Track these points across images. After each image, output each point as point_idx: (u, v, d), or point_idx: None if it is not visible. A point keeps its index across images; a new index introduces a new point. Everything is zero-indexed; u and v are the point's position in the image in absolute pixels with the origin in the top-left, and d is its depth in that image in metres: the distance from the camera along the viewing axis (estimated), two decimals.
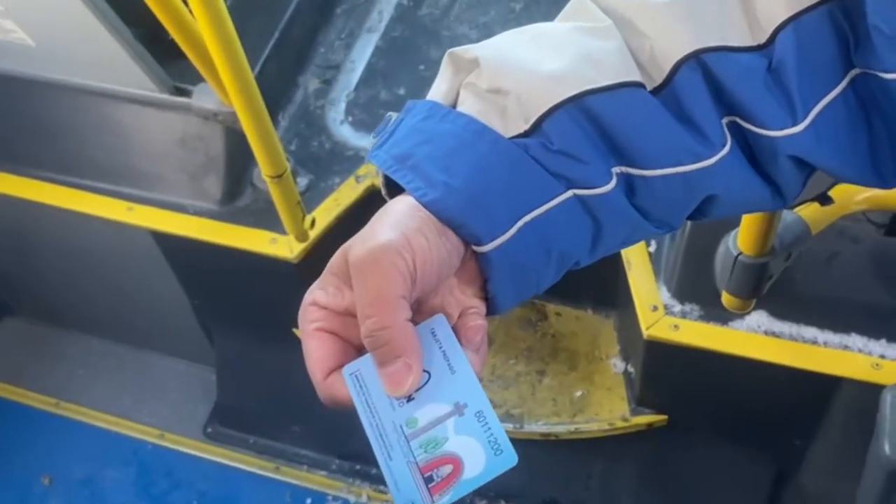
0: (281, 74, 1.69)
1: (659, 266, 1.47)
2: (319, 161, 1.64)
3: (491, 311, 0.52)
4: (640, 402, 1.59)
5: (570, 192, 0.51)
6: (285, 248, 1.54)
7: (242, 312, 1.80)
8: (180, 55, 1.27)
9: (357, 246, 0.49)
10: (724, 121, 0.52)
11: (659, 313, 1.41)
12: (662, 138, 0.51)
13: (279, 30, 1.66)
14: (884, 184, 0.56)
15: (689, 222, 1.40)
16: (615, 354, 1.65)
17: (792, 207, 1.10)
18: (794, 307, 1.36)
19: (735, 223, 1.16)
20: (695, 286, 1.39)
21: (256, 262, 1.57)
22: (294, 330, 1.73)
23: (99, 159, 1.65)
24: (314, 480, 1.86)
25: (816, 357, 1.35)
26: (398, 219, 0.49)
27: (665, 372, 1.50)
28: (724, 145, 0.52)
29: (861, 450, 1.36)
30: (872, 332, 1.33)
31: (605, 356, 1.66)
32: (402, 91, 1.71)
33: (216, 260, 1.64)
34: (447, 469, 0.48)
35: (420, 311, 0.51)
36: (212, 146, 1.57)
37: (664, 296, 1.44)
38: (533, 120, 0.50)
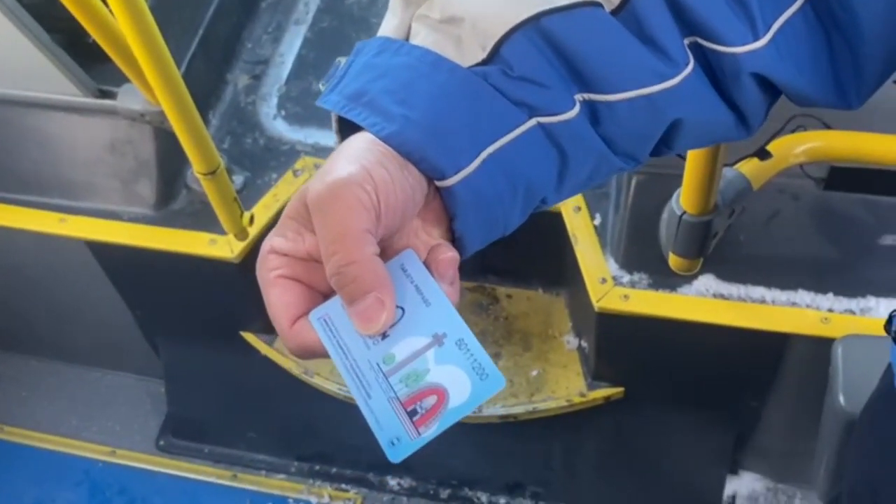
0: (208, 72, 1.65)
1: (605, 238, 1.46)
2: (254, 158, 1.61)
3: (459, 252, 0.50)
4: (596, 376, 1.59)
5: (533, 121, 0.49)
6: (225, 248, 1.50)
7: (187, 319, 1.76)
8: (103, 57, 1.24)
9: (315, 183, 0.46)
10: (686, 41, 0.51)
11: (608, 285, 1.41)
12: (624, 59, 0.50)
13: (203, 27, 1.62)
14: (846, 103, 0.56)
15: (631, 190, 1.39)
16: (568, 331, 1.65)
17: (732, 164, 1.10)
18: (741, 268, 1.36)
19: (677, 187, 1.16)
20: (642, 255, 1.39)
21: (197, 265, 1.53)
22: (242, 333, 1.70)
23: (25, 171, 1.59)
24: (274, 485, 1.83)
25: (765, 316, 1.36)
26: (357, 153, 0.47)
27: (618, 344, 1.50)
28: (687, 64, 0.51)
29: (816, 405, 1.37)
30: (819, 286, 1.35)
31: (558, 334, 1.65)
32: None
33: (155, 266, 1.60)
34: (431, 400, 0.46)
35: (386, 255, 0.49)
36: (142, 149, 1.53)
37: (612, 267, 1.43)
38: (490, 46, 0.49)
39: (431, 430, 0.45)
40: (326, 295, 0.49)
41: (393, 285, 0.47)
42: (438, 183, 0.48)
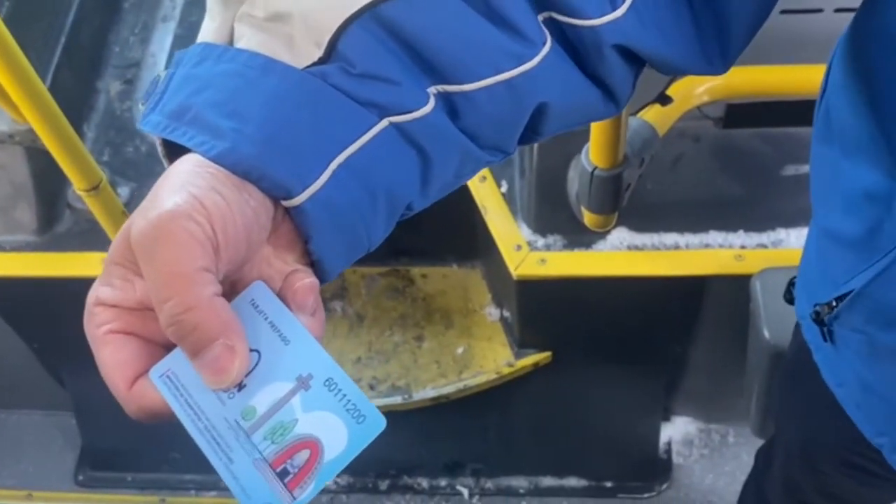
0: (77, 82, 1.56)
1: (515, 205, 1.44)
2: (139, 167, 1.53)
3: (320, 277, 0.44)
4: (522, 344, 1.57)
5: (385, 121, 0.44)
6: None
7: (88, 346, 1.67)
8: None
9: (138, 221, 0.40)
10: (540, 18, 0.47)
11: (524, 252, 1.39)
12: (476, 43, 0.45)
13: (65, 34, 1.52)
14: (712, 67, 0.53)
15: (535, 153, 1.37)
16: (488, 303, 1.63)
17: (635, 113, 1.08)
18: (652, 217, 1.36)
19: (580, 148, 1.14)
20: (553, 217, 1.38)
21: (90, 287, 1.44)
22: None
23: None
24: None
25: (680, 261, 1.36)
26: (183, 180, 0.40)
27: (541, 309, 1.49)
28: (544, 43, 0.47)
29: (738, 343, 1.39)
30: (729, 225, 1.36)
31: (478, 307, 1.63)
32: None
33: (47, 295, 1.51)
34: (303, 455, 0.40)
35: (234, 293, 0.43)
36: (15, 172, 1.43)
37: (525, 233, 1.41)
38: (326, 42, 0.43)
39: (308, 492, 0.39)
40: (168, 347, 0.42)
41: (242, 327, 0.40)
42: (285, 203, 0.42)
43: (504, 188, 1.46)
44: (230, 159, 0.41)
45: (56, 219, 1.49)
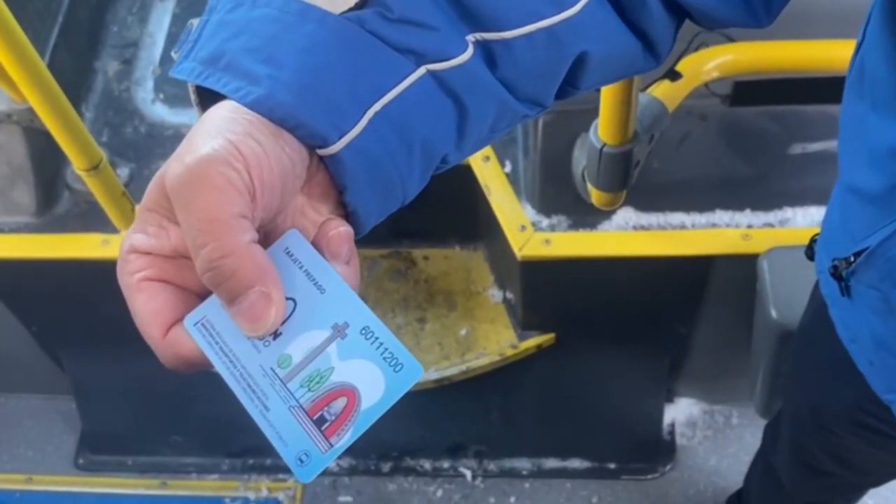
0: (74, 62, 1.54)
1: (519, 185, 1.43)
2: (138, 147, 1.51)
3: (355, 229, 0.44)
4: (526, 325, 1.56)
5: (422, 69, 0.43)
6: (120, 247, 1.40)
7: (88, 328, 1.65)
8: None
9: (174, 166, 0.39)
10: None
11: (528, 232, 1.38)
12: None
13: (62, 13, 1.50)
14: (755, 19, 0.52)
15: (539, 132, 1.36)
16: (491, 285, 1.61)
17: (644, 89, 1.07)
18: (658, 196, 1.35)
19: (585, 127, 1.13)
20: (558, 197, 1.36)
21: (90, 269, 1.43)
22: None
23: None
24: (207, 486, 1.75)
25: (687, 241, 1.35)
26: (220, 125, 0.39)
27: (545, 290, 1.48)
28: None
29: (743, 323, 1.38)
30: (736, 204, 1.34)
31: (481, 289, 1.62)
32: None
33: (46, 278, 1.49)
34: (340, 403, 0.39)
35: (267, 242, 0.42)
36: (13, 153, 1.41)
37: (530, 213, 1.40)
38: None
39: (345, 439, 0.39)
40: (202, 295, 0.42)
41: (278, 274, 0.40)
42: (321, 151, 0.41)
43: (508, 168, 1.44)
44: (266, 106, 0.40)
45: (55, 200, 1.47)
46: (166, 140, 1.51)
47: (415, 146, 0.44)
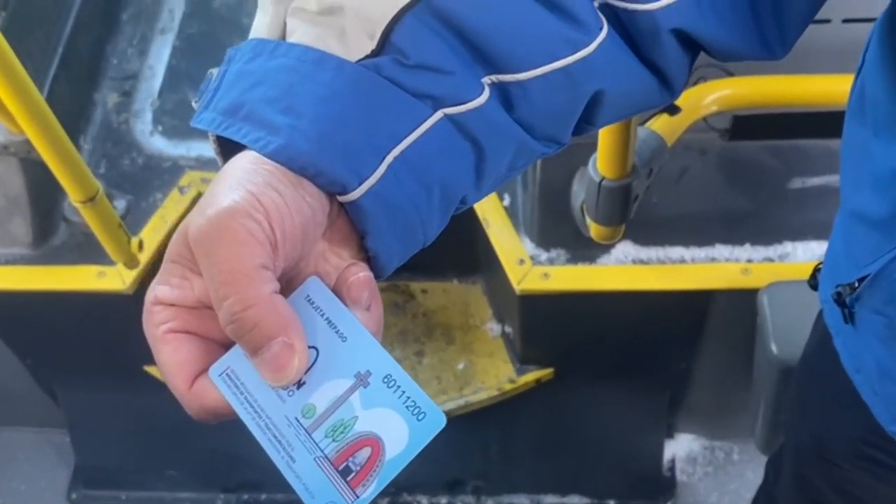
0: (73, 93, 1.54)
1: (517, 219, 1.43)
2: (135, 180, 1.51)
3: (376, 273, 0.44)
4: (524, 360, 1.55)
5: (439, 113, 0.43)
6: (116, 279, 1.40)
7: (84, 361, 1.65)
8: None
9: (196, 217, 0.40)
10: (595, 3, 0.47)
11: (527, 266, 1.37)
12: (531, 30, 0.44)
13: (62, 45, 1.51)
14: (770, 52, 0.52)
15: (538, 166, 1.36)
16: (489, 318, 1.60)
17: (643, 123, 1.07)
18: (657, 230, 1.35)
19: (584, 160, 1.13)
20: (557, 230, 1.36)
21: (87, 301, 1.42)
22: (145, 368, 1.60)
23: None
24: None
25: (686, 275, 1.34)
26: (241, 177, 0.40)
27: (543, 324, 1.47)
28: (600, 29, 0.46)
29: (743, 358, 1.37)
30: (735, 238, 1.34)
31: (479, 323, 1.61)
32: None
33: (42, 310, 1.49)
34: (365, 453, 0.40)
35: (290, 289, 0.43)
36: (10, 184, 1.41)
37: (528, 247, 1.40)
38: (379, 34, 0.43)
39: (370, 490, 0.39)
40: (226, 345, 0.42)
41: (301, 324, 0.40)
42: (341, 198, 0.42)
43: (507, 201, 1.44)
44: (286, 155, 0.41)
45: (51, 231, 1.47)
46: (164, 172, 1.51)
47: (434, 189, 0.44)
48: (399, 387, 0.40)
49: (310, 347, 0.41)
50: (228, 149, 0.44)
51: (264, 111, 0.41)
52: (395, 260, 0.45)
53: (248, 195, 0.39)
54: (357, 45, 0.43)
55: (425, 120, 0.43)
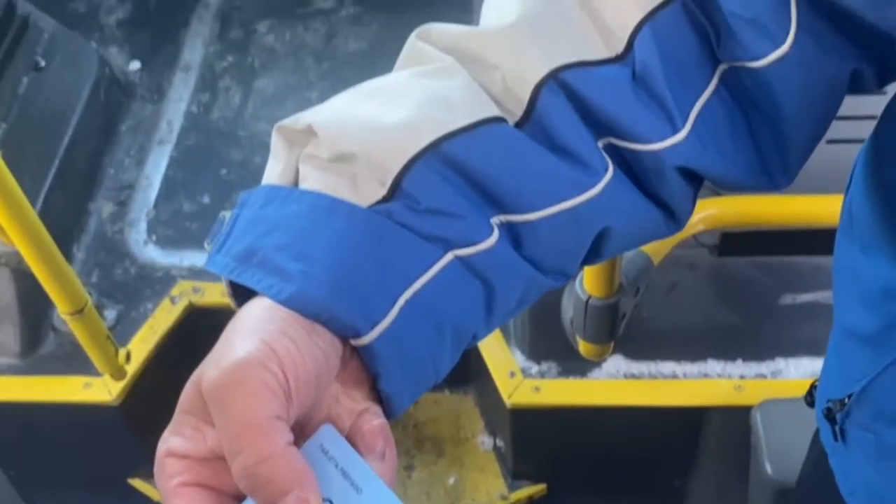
0: (68, 203, 1.55)
1: (509, 331, 1.42)
2: (127, 289, 1.50)
3: (388, 413, 0.44)
4: (516, 475, 1.52)
5: (450, 255, 0.44)
6: (102, 390, 1.38)
7: (68, 473, 1.61)
8: None
9: (209, 368, 0.39)
10: (600, 144, 0.47)
11: (518, 379, 1.36)
12: (538, 174, 0.45)
13: (59, 157, 1.53)
14: (774, 183, 0.53)
15: None
16: (481, 431, 1.58)
17: None
18: (648, 345, 1.34)
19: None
20: (548, 343, 1.35)
21: (72, 412, 1.40)
22: (129, 481, 1.56)
23: None
24: None
25: (678, 391, 1.33)
26: (253, 325, 0.40)
27: (535, 438, 1.44)
28: (606, 170, 0.47)
29: (739, 474, 1.34)
30: (728, 354, 1.33)
31: (471, 435, 1.58)
32: (206, 199, 1.61)
33: (27, 420, 1.46)
34: None
35: (303, 434, 0.42)
36: (0, 294, 1.40)
37: (519, 359, 1.39)
38: (390, 181, 0.43)
39: None
40: (238, 497, 0.41)
41: (315, 478, 0.39)
42: (354, 342, 0.42)
43: None
44: (299, 302, 0.41)
45: (40, 341, 1.46)
46: (156, 282, 1.51)
47: (445, 329, 0.44)
48: None
49: (324, 500, 0.40)
50: (240, 291, 0.44)
51: (277, 258, 0.42)
52: (407, 400, 0.44)
53: (261, 344, 0.39)
54: (369, 191, 0.44)
55: (436, 262, 0.44)
